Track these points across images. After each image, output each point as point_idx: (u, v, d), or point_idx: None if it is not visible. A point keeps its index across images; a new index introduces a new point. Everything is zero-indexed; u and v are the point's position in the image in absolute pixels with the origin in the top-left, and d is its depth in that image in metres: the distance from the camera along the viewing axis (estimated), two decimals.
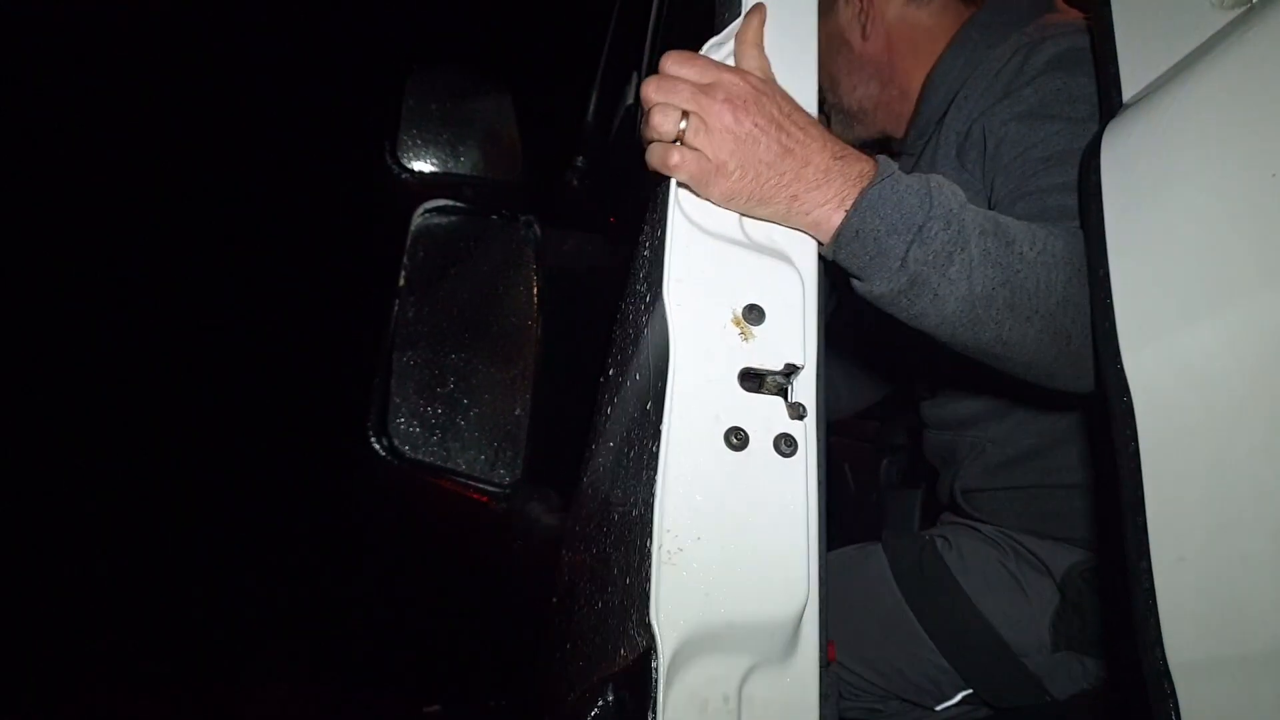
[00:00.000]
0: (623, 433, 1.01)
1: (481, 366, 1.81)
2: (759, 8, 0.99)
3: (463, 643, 2.69)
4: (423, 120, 1.96)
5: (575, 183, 2.31)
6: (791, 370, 0.86)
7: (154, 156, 3.73)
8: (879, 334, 1.55)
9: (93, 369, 3.43)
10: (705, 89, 0.92)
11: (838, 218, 0.94)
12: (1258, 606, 0.70)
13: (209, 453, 3.39)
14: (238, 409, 3.50)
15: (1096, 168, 0.94)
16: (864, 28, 1.50)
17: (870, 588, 1.48)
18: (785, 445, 0.82)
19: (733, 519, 0.78)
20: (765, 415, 0.83)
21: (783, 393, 0.85)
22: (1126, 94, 0.98)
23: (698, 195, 0.94)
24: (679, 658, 0.74)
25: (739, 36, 0.99)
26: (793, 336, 0.87)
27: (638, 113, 1.03)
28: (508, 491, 1.72)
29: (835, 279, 1.03)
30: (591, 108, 2.29)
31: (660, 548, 0.76)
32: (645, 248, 1.02)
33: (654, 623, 0.74)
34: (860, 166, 0.96)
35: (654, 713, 0.72)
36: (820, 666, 0.80)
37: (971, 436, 1.48)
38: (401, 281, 1.81)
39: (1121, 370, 0.85)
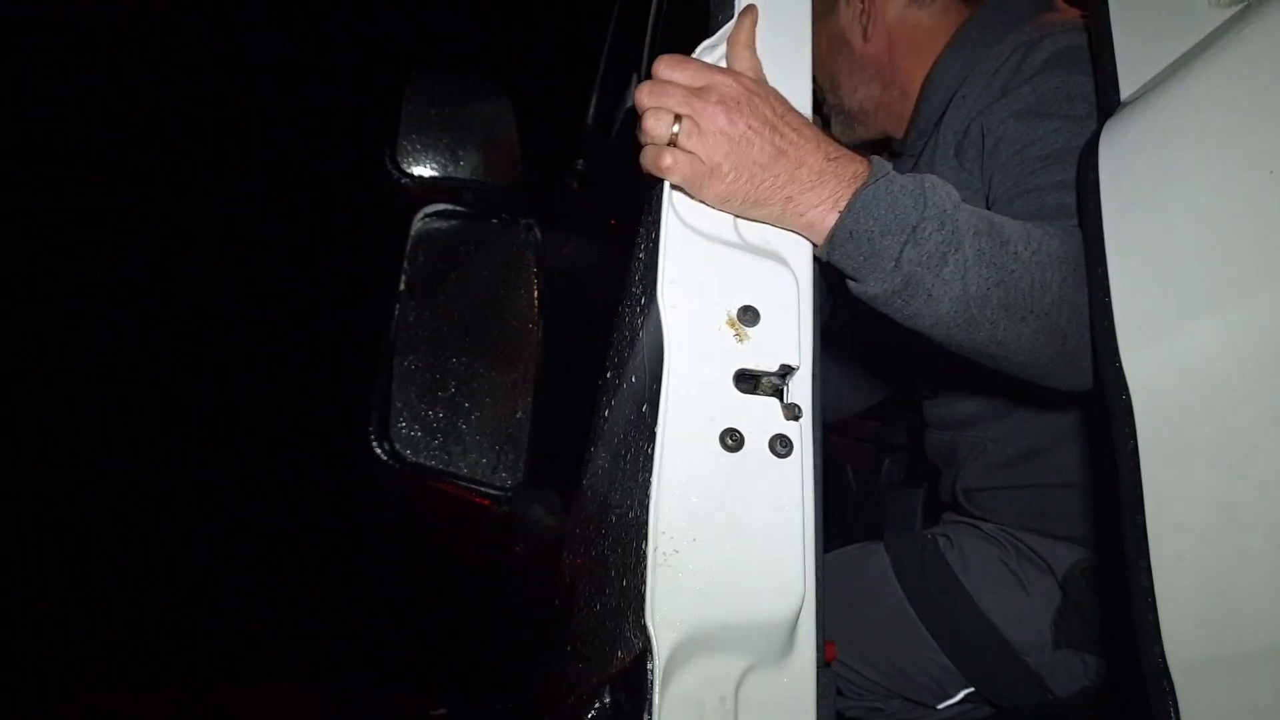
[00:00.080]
0: (620, 435, 1.02)
1: (483, 370, 1.81)
2: (751, 9, 0.99)
3: (464, 645, 2.69)
4: (422, 125, 1.96)
5: (576, 185, 2.31)
6: (787, 371, 0.86)
7: (154, 158, 3.73)
8: (877, 335, 1.55)
9: (93, 370, 3.43)
10: (698, 92, 0.92)
11: (832, 219, 0.94)
12: (1256, 604, 0.70)
13: (210, 454, 3.39)
14: (239, 412, 3.50)
15: (1094, 166, 0.94)
16: (865, 29, 1.50)
17: (872, 587, 1.49)
18: (780, 446, 0.82)
19: (728, 520, 0.78)
20: (760, 416, 0.83)
21: (778, 393, 0.85)
22: (1124, 92, 0.98)
23: (692, 198, 0.94)
24: (675, 659, 0.74)
25: (731, 38, 0.99)
26: (788, 337, 0.86)
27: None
28: (509, 495, 1.72)
29: (831, 280, 1.03)
30: (591, 110, 2.29)
31: (656, 549, 0.76)
32: (640, 250, 1.02)
33: (650, 624, 0.74)
34: (854, 167, 0.96)
35: (650, 714, 0.72)
36: (817, 666, 0.79)
37: (972, 436, 1.48)
38: (402, 286, 1.81)
39: (1120, 369, 0.85)
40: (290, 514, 3.28)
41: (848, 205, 0.94)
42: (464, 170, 1.99)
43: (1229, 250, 0.76)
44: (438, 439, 1.71)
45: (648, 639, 0.74)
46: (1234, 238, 0.75)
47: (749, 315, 0.86)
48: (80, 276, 3.55)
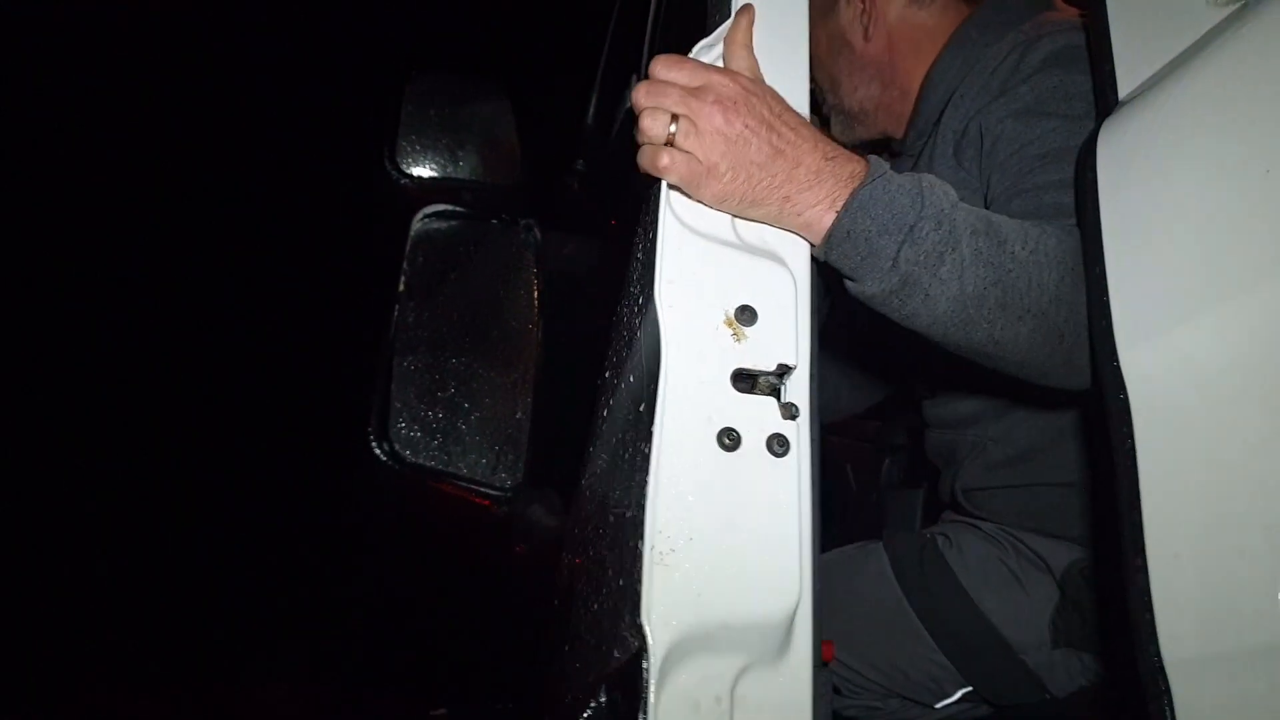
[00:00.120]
0: (618, 435, 1.01)
1: (482, 370, 1.80)
2: (747, 9, 0.99)
3: (464, 645, 2.69)
4: (422, 125, 1.96)
5: (576, 186, 2.31)
6: (784, 370, 0.86)
7: (154, 158, 3.73)
8: (875, 334, 1.54)
9: (93, 371, 3.44)
10: (695, 92, 0.92)
11: (829, 218, 0.94)
12: (1252, 603, 0.70)
13: (211, 455, 3.40)
14: (239, 412, 3.50)
15: (1092, 165, 0.94)
16: (865, 29, 1.50)
17: (871, 586, 1.48)
18: (778, 445, 0.82)
19: (725, 519, 0.78)
20: (758, 416, 0.83)
21: (775, 393, 0.85)
22: (1122, 91, 0.98)
23: (689, 197, 0.94)
24: (671, 658, 0.74)
25: (728, 38, 0.99)
26: (785, 337, 0.86)
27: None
28: (509, 495, 1.72)
29: (829, 280, 1.03)
30: (591, 110, 2.29)
31: (652, 548, 0.76)
32: (638, 250, 1.02)
33: (645, 623, 0.74)
34: (851, 167, 0.96)
35: (645, 713, 0.72)
36: (813, 666, 0.79)
37: (972, 435, 1.48)
38: (401, 286, 1.80)
39: (1118, 367, 0.85)
40: (290, 514, 3.29)
41: (845, 205, 0.94)
42: (463, 171, 1.99)
43: (1227, 249, 0.76)
44: (437, 439, 1.71)
45: (643, 638, 0.74)
46: (1232, 237, 0.75)
47: (746, 315, 0.86)
48: (80, 276, 3.56)
